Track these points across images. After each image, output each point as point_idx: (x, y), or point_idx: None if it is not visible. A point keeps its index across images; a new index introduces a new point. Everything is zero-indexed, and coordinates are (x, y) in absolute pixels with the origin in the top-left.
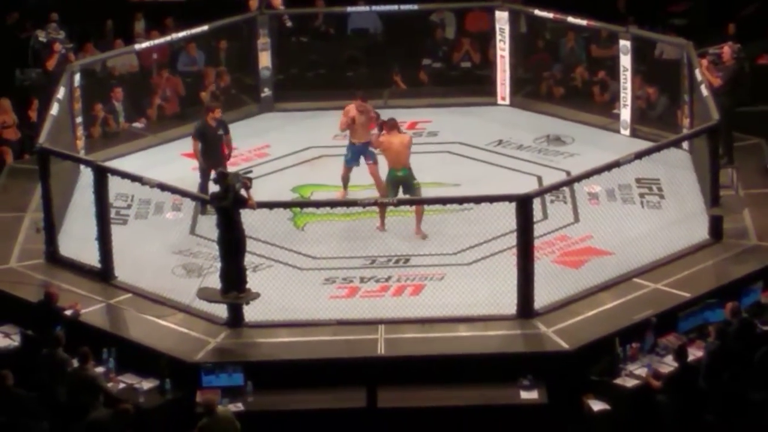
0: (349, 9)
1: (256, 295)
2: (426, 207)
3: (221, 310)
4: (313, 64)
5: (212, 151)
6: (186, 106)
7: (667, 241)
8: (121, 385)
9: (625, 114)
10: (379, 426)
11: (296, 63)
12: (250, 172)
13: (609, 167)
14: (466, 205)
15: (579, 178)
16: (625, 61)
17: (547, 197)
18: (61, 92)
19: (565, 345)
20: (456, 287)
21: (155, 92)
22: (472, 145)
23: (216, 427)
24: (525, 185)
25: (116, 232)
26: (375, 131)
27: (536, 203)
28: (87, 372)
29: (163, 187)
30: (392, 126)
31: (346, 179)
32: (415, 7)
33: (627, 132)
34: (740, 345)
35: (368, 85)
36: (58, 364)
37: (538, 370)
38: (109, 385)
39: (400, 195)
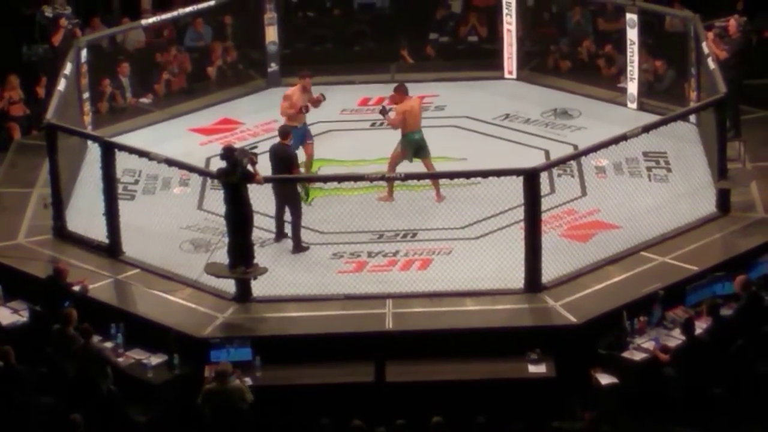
0: None
1: (264, 270)
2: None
3: (229, 285)
4: (320, 39)
5: None
6: (193, 82)
7: (675, 215)
8: (130, 361)
9: (632, 87)
10: (387, 400)
11: (303, 37)
12: (255, 147)
13: (616, 141)
14: (473, 179)
15: (586, 152)
16: (632, 34)
17: (555, 171)
18: (68, 68)
19: (572, 319)
20: (464, 261)
21: (163, 68)
22: (479, 120)
23: (221, 395)
24: (532, 159)
25: (124, 207)
26: (391, 111)
27: (543, 177)
28: (92, 346)
29: (171, 163)
30: (405, 90)
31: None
32: None
33: (634, 105)
34: (747, 318)
35: (375, 60)
36: (67, 341)
37: (545, 343)
38: (120, 360)
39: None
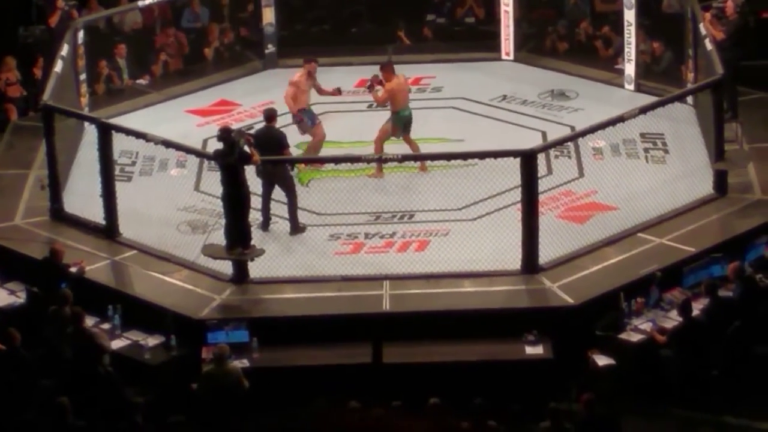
0: None
1: (261, 252)
2: (430, 163)
3: (226, 267)
4: (317, 20)
5: None
6: (189, 63)
7: (672, 196)
8: (127, 342)
9: (630, 69)
10: (384, 381)
11: (300, 19)
12: (251, 128)
13: (613, 122)
14: (470, 160)
15: (583, 133)
16: (629, 15)
17: (552, 152)
18: (65, 49)
19: (570, 300)
20: (461, 243)
21: (160, 49)
22: (476, 101)
23: (221, 377)
24: (529, 140)
25: (121, 188)
26: (378, 90)
27: (541, 158)
28: (84, 330)
29: (168, 144)
30: (392, 68)
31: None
32: None
33: (631, 87)
34: (743, 301)
35: (372, 41)
36: (64, 322)
37: (543, 325)
38: (116, 342)
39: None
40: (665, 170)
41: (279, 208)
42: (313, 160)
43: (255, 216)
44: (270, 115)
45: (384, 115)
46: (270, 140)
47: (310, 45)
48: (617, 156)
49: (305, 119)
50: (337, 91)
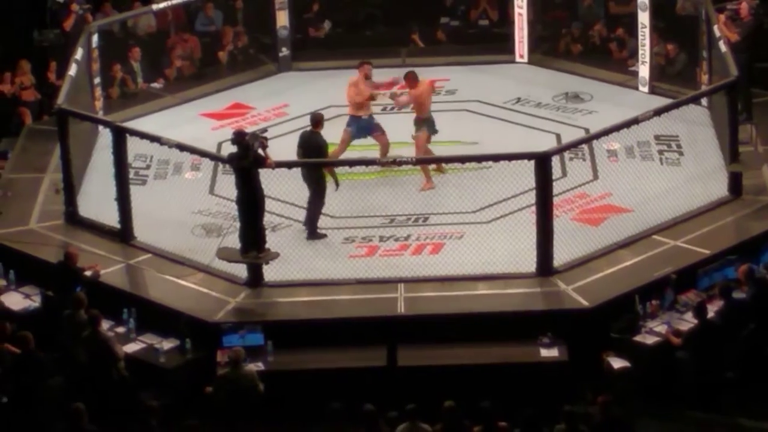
0: None
1: (276, 255)
2: (445, 165)
3: (241, 270)
4: (331, 23)
5: None
6: (203, 67)
7: (687, 198)
8: (142, 345)
9: (644, 71)
10: (399, 384)
11: (314, 22)
12: (266, 131)
13: (628, 124)
14: (484, 163)
15: (598, 136)
16: (644, 17)
17: (566, 155)
18: (79, 53)
19: (584, 302)
20: (475, 245)
21: (172, 47)
22: (490, 103)
23: (236, 380)
24: (544, 143)
25: (135, 192)
26: (399, 94)
27: (555, 161)
28: (100, 335)
29: (182, 147)
30: (415, 76)
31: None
32: None
33: (645, 89)
34: (759, 303)
35: (386, 44)
36: (78, 326)
37: (558, 327)
38: (131, 345)
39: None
40: (680, 172)
41: (293, 210)
42: (329, 163)
43: (270, 219)
44: (316, 120)
45: (399, 118)
46: (312, 146)
47: (324, 48)
48: (632, 158)
49: (352, 129)
50: (394, 80)
